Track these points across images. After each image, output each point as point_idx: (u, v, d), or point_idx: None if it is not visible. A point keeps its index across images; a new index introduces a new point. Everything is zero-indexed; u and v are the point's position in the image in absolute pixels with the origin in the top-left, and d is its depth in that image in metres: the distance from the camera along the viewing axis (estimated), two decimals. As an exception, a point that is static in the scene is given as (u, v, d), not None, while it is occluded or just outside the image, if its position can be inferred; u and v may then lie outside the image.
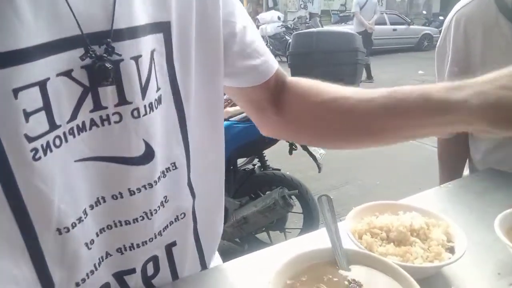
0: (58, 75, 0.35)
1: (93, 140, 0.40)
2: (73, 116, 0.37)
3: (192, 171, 0.51)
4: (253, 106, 0.59)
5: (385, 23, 12.00)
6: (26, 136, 0.33)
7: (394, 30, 11.94)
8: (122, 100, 0.39)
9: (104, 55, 0.37)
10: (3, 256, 0.37)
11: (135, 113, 0.41)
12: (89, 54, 0.36)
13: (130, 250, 0.47)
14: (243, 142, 2.16)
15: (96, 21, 0.36)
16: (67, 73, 0.36)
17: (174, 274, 0.55)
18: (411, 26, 12.13)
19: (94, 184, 0.42)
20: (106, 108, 0.39)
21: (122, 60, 0.38)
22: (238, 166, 2.42)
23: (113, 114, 0.40)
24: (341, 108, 0.52)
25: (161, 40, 0.42)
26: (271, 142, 2.35)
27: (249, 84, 0.55)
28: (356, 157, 3.89)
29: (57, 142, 0.36)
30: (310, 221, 2.30)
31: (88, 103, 0.38)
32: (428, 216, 0.61)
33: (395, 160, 3.86)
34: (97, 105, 0.39)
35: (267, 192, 2.25)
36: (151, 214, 0.47)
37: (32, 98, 0.33)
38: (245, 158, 2.74)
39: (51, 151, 0.36)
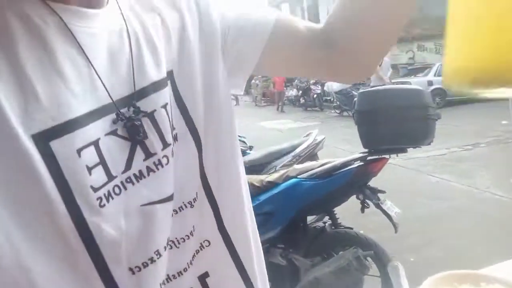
0: (106, 134, 0.41)
1: (155, 183, 0.45)
2: (128, 166, 0.43)
3: (216, 197, 0.53)
4: (311, 66, 0.61)
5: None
6: (92, 187, 0.39)
7: (470, 79, 11.35)
8: (165, 143, 0.46)
9: (132, 115, 0.43)
10: None
11: (172, 153, 0.47)
12: (120, 118, 0.43)
13: (168, 282, 0.48)
14: (313, 199, 2.13)
15: (122, 88, 0.43)
16: (113, 132, 0.42)
17: None
18: (489, 75, 11.47)
19: (164, 223, 0.46)
20: (156, 154, 0.45)
21: (155, 110, 0.45)
22: (308, 223, 2.37)
23: (163, 157, 0.45)
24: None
25: (170, 89, 0.48)
26: (341, 199, 2.29)
27: (261, 47, 0.55)
28: (438, 216, 3.60)
29: (117, 190, 0.42)
30: (388, 286, 2.13)
31: (140, 153, 0.44)
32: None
33: (484, 218, 3.49)
34: (148, 154, 0.44)
35: (340, 252, 2.14)
36: (178, 243, 0.49)
37: (91, 155, 0.39)
38: (314, 216, 2.68)
39: (112, 198, 0.41)
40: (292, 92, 15.98)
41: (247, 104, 21.34)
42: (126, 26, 0.46)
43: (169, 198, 0.46)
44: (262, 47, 0.55)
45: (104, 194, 0.40)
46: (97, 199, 0.40)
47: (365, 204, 2.16)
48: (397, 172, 4.72)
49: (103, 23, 0.44)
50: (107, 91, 0.42)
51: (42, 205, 0.37)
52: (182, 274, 0.50)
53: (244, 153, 2.88)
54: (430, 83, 10.70)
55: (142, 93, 0.45)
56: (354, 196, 2.23)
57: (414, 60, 15.56)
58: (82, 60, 0.41)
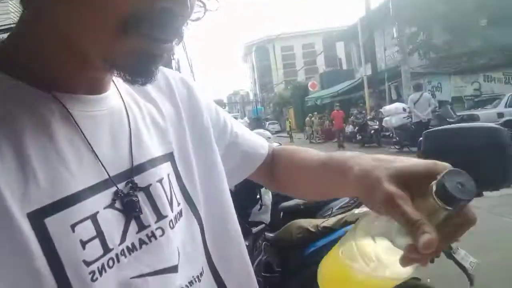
0: (105, 208, 0.43)
1: (147, 256, 0.45)
2: (123, 239, 0.44)
3: (219, 270, 0.56)
4: (257, 179, 0.76)
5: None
6: (84, 262, 0.39)
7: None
8: (160, 216, 0.48)
9: (130, 191, 0.46)
10: None
11: (171, 224, 0.49)
12: (118, 194, 0.44)
13: None
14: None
15: (121, 163, 0.46)
16: (112, 205, 0.44)
17: None
18: None
19: None
20: (149, 226, 0.46)
21: (151, 184, 0.48)
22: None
23: (156, 229, 0.47)
24: (303, 171, 0.66)
25: (170, 166, 0.53)
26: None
27: (248, 174, 0.72)
28: (518, 265, 3.17)
29: (110, 263, 0.42)
30: None
31: (133, 226, 0.45)
32: None
33: None
34: (141, 226, 0.46)
35: (407, 307, 1.93)
36: None
37: (86, 229, 0.40)
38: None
39: (105, 271, 0.41)
40: (348, 129, 15.72)
41: (301, 142, 21.31)
42: (125, 107, 0.50)
43: (166, 270, 0.47)
44: (247, 174, 0.72)
45: (98, 268, 0.41)
46: (90, 273, 0.40)
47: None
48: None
49: (104, 105, 0.48)
50: (104, 168, 0.44)
51: (33, 282, 0.37)
52: None
53: (298, 193, 2.78)
54: (500, 115, 9.97)
55: (140, 168, 0.48)
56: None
57: (481, 91, 14.68)
58: (82, 143, 0.44)
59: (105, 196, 0.44)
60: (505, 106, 10.56)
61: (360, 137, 14.16)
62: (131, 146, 0.48)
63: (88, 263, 0.40)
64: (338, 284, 0.47)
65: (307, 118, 21.07)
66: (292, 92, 31.73)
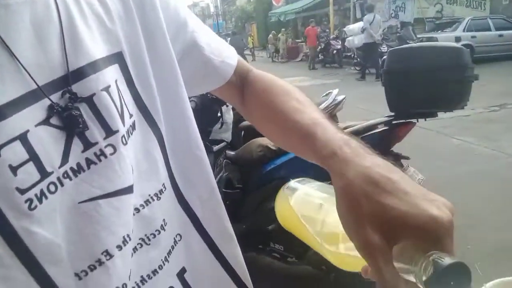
0: (37, 125, 0.36)
1: (97, 177, 0.40)
2: (64, 160, 0.38)
3: (181, 187, 0.52)
4: (227, 98, 0.68)
5: (489, 29, 10.90)
6: (18, 189, 0.34)
7: (500, 36, 10.76)
8: (109, 131, 0.41)
9: (69, 104, 0.38)
10: None
11: (123, 139, 0.42)
12: (54, 108, 0.37)
13: (143, 284, 0.46)
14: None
15: (51, 69, 0.37)
16: (46, 122, 0.37)
17: None
18: (522, 30, 10.82)
19: (113, 220, 0.41)
20: (97, 143, 0.40)
21: (95, 94, 0.40)
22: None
23: (106, 146, 0.40)
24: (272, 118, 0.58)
25: (118, 70, 0.44)
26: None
27: (213, 87, 0.62)
28: (459, 180, 3.48)
29: (52, 188, 0.37)
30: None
31: (77, 144, 0.39)
32: None
33: (506, 184, 3.37)
34: (87, 144, 0.39)
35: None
36: (149, 239, 0.46)
37: (15, 152, 0.34)
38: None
39: (46, 198, 0.36)
40: (304, 48, 15.43)
41: (264, 60, 20.90)
42: None
43: (120, 192, 0.41)
44: (214, 86, 0.63)
45: (36, 195, 0.36)
46: (26, 201, 0.35)
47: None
48: (417, 134, 4.52)
49: None
50: (29, 74, 0.35)
51: None
52: (157, 272, 0.47)
53: (259, 112, 2.77)
54: (458, 39, 10.16)
55: (78, 74, 0.39)
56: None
57: (442, 14, 14.71)
58: None
59: (36, 111, 0.36)
60: (463, 30, 10.76)
61: (322, 56, 14.05)
62: (64, 46, 0.38)
63: (22, 191, 0.35)
64: (291, 226, 0.46)
65: (270, 35, 20.41)
66: (255, 6, 30.24)
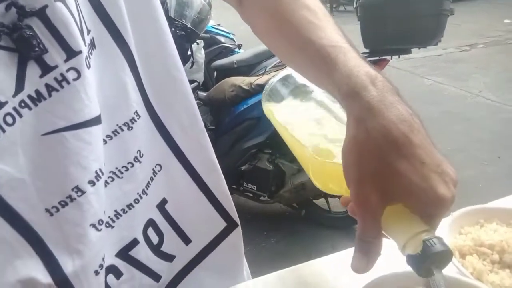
0: None
1: (60, 106, 0.35)
2: (19, 87, 0.33)
3: (160, 115, 0.47)
4: None
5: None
6: None
7: (477, -28, 10.56)
8: (70, 52, 0.35)
9: (18, 23, 0.32)
10: (3, 251, 0.35)
11: (87, 62, 0.36)
12: (1, 30, 0.31)
13: (118, 218, 0.44)
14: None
15: None
16: None
17: (184, 237, 0.51)
18: (498, -33, 10.64)
19: (81, 154, 0.37)
20: (56, 67, 0.34)
21: (47, 6, 0.33)
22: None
23: (68, 70, 0.35)
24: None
25: None
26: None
27: None
28: (429, 119, 3.56)
29: (9, 120, 0.33)
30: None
31: (33, 68, 0.34)
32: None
33: (471, 123, 3.49)
34: (45, 68, 0.34)
35: (328, 158, 2.12)
36: (121, 173, 0.43)
37: None
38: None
39: (3, 131, 0.33)
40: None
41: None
42: None
43: (88, 123, 0.37)
44: None
45: None
46: None
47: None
48: (390, 73, 4.55)
49: None
50: None
51: None
52: (133, 206, 0.44)
53: (232, 52, 2.67)
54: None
55: None
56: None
57: None
58: None
59: None
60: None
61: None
62: None
63: None
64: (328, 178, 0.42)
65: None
66: None
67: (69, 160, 0.37)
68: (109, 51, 0.40)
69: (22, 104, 0.34)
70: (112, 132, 0.41)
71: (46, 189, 0.36)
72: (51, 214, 0.37)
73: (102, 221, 0.40)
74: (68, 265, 0.38)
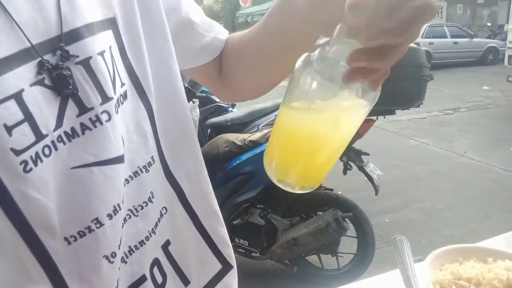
0: (31, 85, 0.35)
1: (91, 144, 0.39)
2: (59, 124, 0.37)
3: (169, 162, 0.51)
4: (206, 77, 0.66)
5: (445, 36, 11.48)
6: (13, 150, 0.34)
7: (455, 43, 11.36)
8: (105, 97, 0.39)
9: (60, 63, 0.36)
10: (18, 274, 0.37)
11: (116, 108, 0.41)
12: (45, 65, 0.36)
13: (131, 254, 0.46)
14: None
15: (46, 28, 0.36)
16: (40, 82, 0.36)
17: (183, 278, 0.53)
18: (474, 39, 11.49)
19: (105, 189, 0.40)
20: (92, 108, 0.39)
21: (91, 57, 0.38)
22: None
23: (102, 113, 0.39)
24: (244, 44, 0.59)
25: (111, 36, 0.43)
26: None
27: (204, 61, 0.60)
28: (415, 179, 3.66)
29: (46, 151, 0.36)
30: (364, 246, 2.16)
31: (72, 108, 0.38)
32: (527, 267, 0.50)
33: (458, 182, 3.58)
34: (83, 108, 0.38)
35: (319, 213, 2.15)
36: (137, 211, 0.46)
37: (10, 112, 0.33)
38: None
39: (41, 161, 0.36)
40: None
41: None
42: None
43: (113, 161, 0.41)
44: (206, 60, 0.60)
45: (31, 157, 0.35)
46: (21, 163, 0.34)
47: (348, 166, 2.13)
48: (377, 134, 4.73)
49: None
50: (22, 31, 0.34)
51: None
52: (144, 243, 0.47)
53: (226, 110, 2.79)
54: (417, 44, 10.56)
55: (74, 35, 0.38)
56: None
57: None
58: None
59: (30, 70, 0.35)
60: (422, 37, 11.23)
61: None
62: (59, 5, 0.37)
63: (17, 152, 0.34)
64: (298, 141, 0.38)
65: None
66: (223, 6, 30.17)
67: (93, 193, 0.39)
68: (135, 103, 0.46)
69: (59, 139, 0.37)
70: (133, 173, 0.45)
71: (68, 218, 0.38)
72: (69, 243, 0.39)
73: (115, 254, 0.42)
74: None
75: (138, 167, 0.46)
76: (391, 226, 2.80)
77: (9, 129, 0.33)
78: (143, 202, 0.46)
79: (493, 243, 0.63)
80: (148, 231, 0.47)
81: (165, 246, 0.51)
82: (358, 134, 2.12)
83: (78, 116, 0.38)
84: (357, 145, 2.17)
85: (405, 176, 3.69)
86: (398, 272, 0.52)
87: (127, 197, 0.44)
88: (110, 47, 0.42)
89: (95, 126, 0.39)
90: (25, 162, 0.34)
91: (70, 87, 0.37)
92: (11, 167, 0.34)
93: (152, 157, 0.47)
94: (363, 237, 2.16)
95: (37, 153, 0.35)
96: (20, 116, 0.34)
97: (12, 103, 0.33)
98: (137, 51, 0.46)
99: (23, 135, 0.34)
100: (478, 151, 4.31)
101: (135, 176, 0.45)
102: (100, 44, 0.40)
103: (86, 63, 0.38)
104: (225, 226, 0.59)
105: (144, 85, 0.47)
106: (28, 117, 0.35)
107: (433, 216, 2.97)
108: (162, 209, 0.50)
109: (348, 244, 2.28)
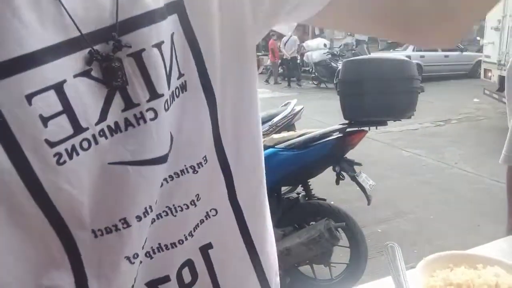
0: (75, 76, 0.33)
1: (132, 141, 0.37)
2: (102, 117, 0.35)
3: (231, 165, 0.46)
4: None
5: (436, 50, 11.67)
6: (47, 141, 0.32)
7: (446, 56, 11.54)
8: (153, 93, 0.37)
9: (111, 54, 0.34)
10: (42, 257, 0.36)
11: (166, 105, 0.38)
12: (94, 56, 0.34)
13: (159, 251, 0.44)
14: (289, 170, 2.09)
15: (99, 17, 0.34)
16: (86, 73, 0.34)
17: (215, 283, 0.48)
18: (464, 53, 11.68)
19: (138, 189, 0.38)
20: (138, 105, 0.36)
21: (144, 49, 0.35)
22: (282, 194, 2.35)
23: (147, 110, 0.37)
24: None
25: (177, 21, 0.39)
26: (317, 171, 2.27)
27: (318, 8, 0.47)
28: (408, 189, 3.68)
29: (85, 145, 0.35)
30: (357, 256, 2.16)
31: (118, 102, 0.36)
32: (516, 273, 0.51)
33: (449, 192, 3.61)
34: (129, 103, 0.36)
35: (312, 223, 2.15)
36: (176, 211, 0.43)
37: (48, 103, 0.32)
38: (288, 186, 2.66)
39: (77, 154, 0.34)
40: (268, 62, 15.67)
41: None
42: None
43: (152, 161, 0.38)
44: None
45: (66, 150, 0.33)
46: (55, 155, 0.33)
47: (341, 176, 2.14)
48: (370, 145, 4.77)
49: None
50: (72, 19, 0.32)
51: None
52: (176, 246, 0.44)
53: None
54: (408, 57, 10.68)
55: (128, 26, 0.35)
56: (329, 168, 2.21)
57: (394, 34, 15.56)
58: None
59: (76, 61, 0.33)
60: (413, 50, 11.42)
61: (282, 70, 14.35)
62: None
63: (52, 144, 0.33)
64: None
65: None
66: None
67: (124, 193, 0.38)
68: (196, 96, 0.42)
69: (101, 133, 0.35)
70: (176, 172, 0.42)
71: (98, 213, 0.37)
72: (96, 236, 0.38)
73: (137, 255, 0.41)
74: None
75: (185, 165, 0.42)
76: (384, 236, 2.81)
77: (45, 120, 0.32)
78: (184, 204, 0.43)
79: (482, 250, 0.64)
80: (184, 234, 0.44)
81: (205, 248, 0.47)
82: (351, 145, 2.14)
83: (123, 111, 0.36)
84: (349, 155, 2.20)
85: (397, 187, 3.71)
86: (391, 279, 0.53)
87: (163, 197, 0.41)
88: (172, 35, 0.38)
89: (138, 124, 0.37)
90: (59, 155, 0.33)
91: (119, 80, 0.35)
92: (44, 158, 0.33)
93: (204, 157, 0.43)
94: (356, 247, 2.16)
95: (73, 146, 0.34)
96: (58, 107, 0.33)
97: (51, 94, 0.32)
98: (207, 34, 0.41)
99: (60, 127, 0.33)
100: (469, 162, 4.35)
101: (178, 176, 0.42)
102: (159, 34, 0.37)
103: (138, 56, 0.35)
104: (275, 246, 0.55)
105: (210, 74, 0.42)
106: (68, 109, 0.33)
107: (425, 226, 2.98)
108: (211, 211, 0.46)
109: (341, 254, 2.28)
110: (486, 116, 6.59)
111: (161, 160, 0.39)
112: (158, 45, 0.36)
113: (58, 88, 0.32)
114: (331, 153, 2.09)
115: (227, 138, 0.45)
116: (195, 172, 0.43)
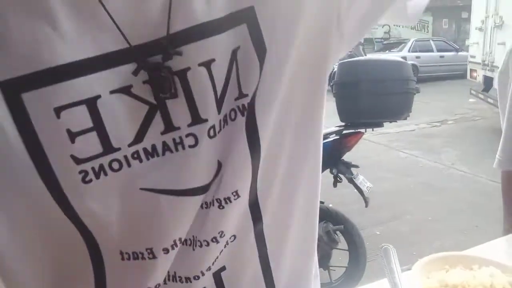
0: (112, 92, 0.31)
1: (168, 167, 0.34)
2: (138, 138, 0.32)
3: (260, 189, 0.41)
4: None
5: (432, 50, 11.73)
6: (73, 157, 0.31)
7: (441, 57, 11.60)
8: (196, 118, 0.33)
9: (160, 62, 0.31)
10: (72, 278, 0.36)
11: (211, 132, 0.34)
12: (142, 65, 0.31)
13: (174, 281, 0.40)
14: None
15: (148, 29, 0.31)
16: (125, 90, 0.31)
17: None
18: (460, 53, 11.75)
19: (168, 224, 0.35)
20: (178, 129, 0.33)
21: (189, 68, 0.32)
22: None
23: (187, 136, 0.33)
24: None
25: (246, 32, 0.34)
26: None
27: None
28: (404, 191, 3.69)
29: (115, 165, 0.32)
30: (356, 259, 2.16)
31: (158, 122, 0.33)
32: (511, 273, 0.52)
33: (447, 193, 3.61)
34: (169, 126, 0.33)
35: (310, 226, 2.15)
36: (208, 244, 0.39)
37: (77, 118, 0.30)
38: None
39: (105, 174, 0.32)
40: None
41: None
42: None
43: (188, 192, 0.35)
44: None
45: (93, 168, 0.32)
46: (80, 172, 0.31)
47: (338, 179, 2.15)
48: (367, 147, 4.78)
49: None
50: (119, 29, 0.30)
51: (6, 160, 0.30)
52: (197, 279, 0.40)
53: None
54: (404, 58, 10.75)
55: (178, 39, 0.31)
56: (326, 170, 2.21)
57: (390, 34, 15.66)
58: None
59: (115, 75, 0.31)
60: (409, 51, 11.47)
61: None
62: (171, 5, 0.31)
63: (78, 160, 0.31)
64: None
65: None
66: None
67: (154, 223, 0.35)
68: (252, 121, 0.37)
69: (135, 156, 0.33)
70: (213, 201, 0.37)
71: (126, 235, 0.35)
72: (123, 259, 0.36)
73: (159, 285, 0.38)
74: None
75: (214, 197, 0.37)
76: (382, 238, 2.81)
77: (72, 135, 0.30)
78: (212, 238, 0.38)
79: (478, 251, 0.64)
80: (201, 271, 0.40)
81: (218, 272, 0.43)
82: (348, 147, 2.15)
83: (162, 133, 0.33)
84: (346, 157, 2.20)
85: (395, 188, 3.72)
86: (386, 281, 0.53)
87: (196, 225, 0.37)
88: (234, 51, 0.34)
89: (177, 150, 0.34)
90: (84, 172, 0.31)
91: (168, 94, 0.32)
92: (69, 174, 0.31)
93: (236, 192, 0.38)
94: (355, 250, 2.16)
95: (101, 166, 0.32)
96: (88, 124, 0.30)
97: (82, 109, 0.30)
98: (280, 48, 0.35)
99: (88, 144, 0.31)
100: (465, 162, 4.37)
101: (208, 207, 0.37)
102: (210, 50, 0.32)
103: (182, 75, 0.32)
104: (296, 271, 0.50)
105: (271, 97, 0.36)
106: (98, 127, 0.31)
107: (423, 228, 2.99)
108: (230, 238, 0.41)
109: (340, 257, 2.28)
110: (482, 116, 6.62)
111: (198, 190, 0.35)
112: (207, 64, 0.32)
113: (91, 103, 0.30)
114: (328, 156, 2.10)
115: (263, 185, 0.40)
116: (221, 207, 0.38)
